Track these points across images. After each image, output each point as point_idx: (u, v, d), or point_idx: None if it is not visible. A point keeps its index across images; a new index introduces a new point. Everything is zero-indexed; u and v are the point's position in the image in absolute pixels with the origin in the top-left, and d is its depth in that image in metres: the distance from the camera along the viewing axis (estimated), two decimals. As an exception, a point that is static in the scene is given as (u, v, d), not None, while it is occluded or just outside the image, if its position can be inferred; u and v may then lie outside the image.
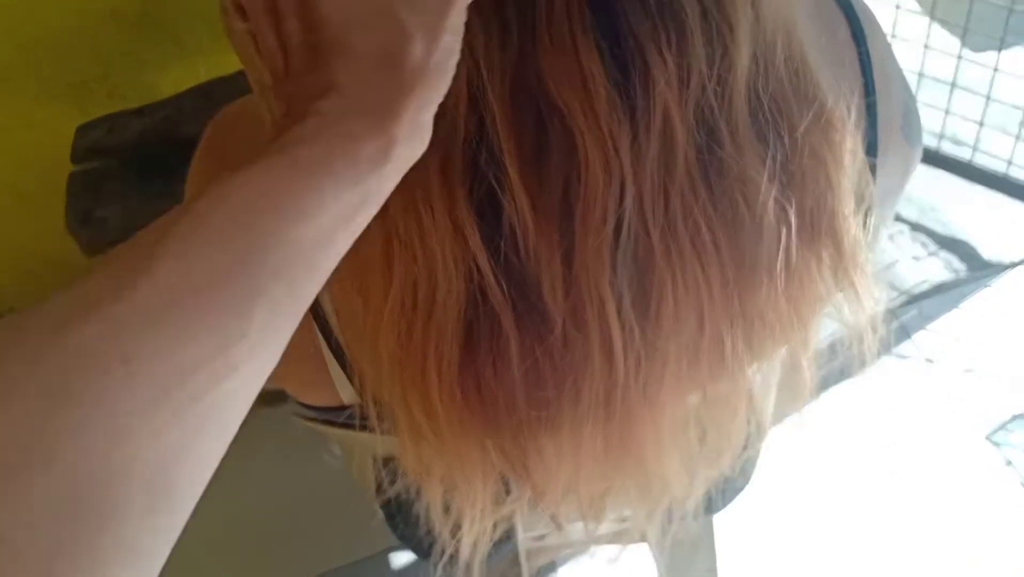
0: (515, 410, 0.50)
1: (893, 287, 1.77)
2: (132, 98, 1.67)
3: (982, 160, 1.83)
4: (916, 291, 1.76)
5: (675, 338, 0.49)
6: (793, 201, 0.49)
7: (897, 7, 1.71)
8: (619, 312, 0.47)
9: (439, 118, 0.40)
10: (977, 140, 1.79)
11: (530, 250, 0.46)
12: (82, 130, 1.59)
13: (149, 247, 0.32)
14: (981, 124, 1.75)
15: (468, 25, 0.40)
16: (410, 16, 0.37)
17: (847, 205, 0.51)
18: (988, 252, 1.82)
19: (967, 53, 1.70)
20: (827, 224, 0.51)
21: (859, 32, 0.56)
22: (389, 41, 0.37)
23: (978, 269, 1.79)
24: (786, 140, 0.48)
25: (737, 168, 0.47)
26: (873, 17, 0.58)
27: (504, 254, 0.46)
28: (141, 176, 1.49)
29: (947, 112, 1.79)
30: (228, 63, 1.70)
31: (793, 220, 0.49)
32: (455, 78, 0.40)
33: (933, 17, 1.69)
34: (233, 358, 0.32)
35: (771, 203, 0.48)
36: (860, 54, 0.56)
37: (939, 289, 1.76)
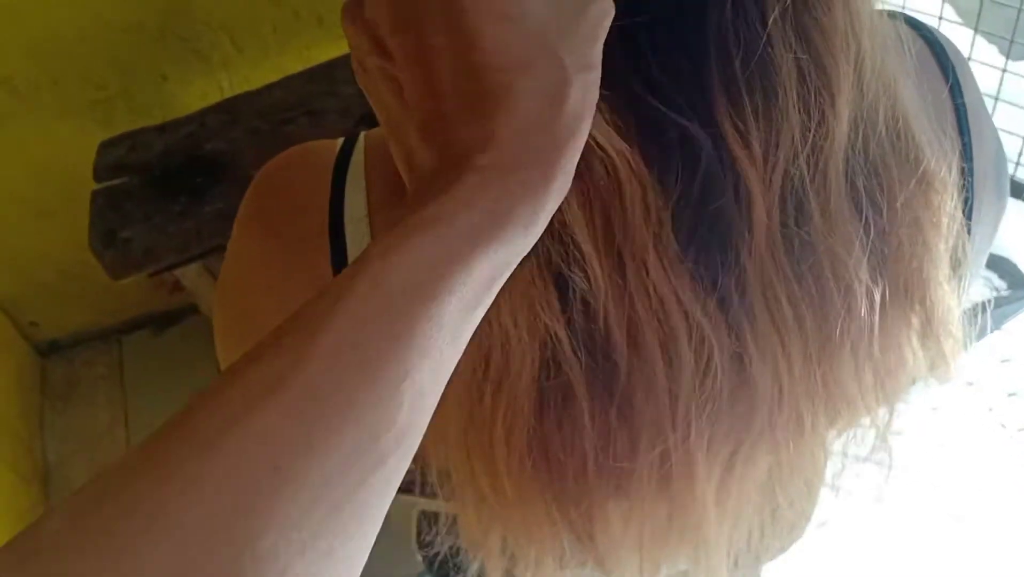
0: (584, 478, 0.48)
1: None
2: (155, 114, 1.65)
3: (1021, 174, 1.78)
4: (956, 311, 1.71)
5: (749, 413, 0.47)
6: (887, 272, 0.46)
7: (940, 18, 1.67)
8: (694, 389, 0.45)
9: None
10: (1020, 155, 1.74)
11: (603, 320, 0.43)
12: (104, 147, 1.56)
13: (297, 345, 0.29)
14: None
15: None
16: (568, 55, 0.33)
17: (942, 271, 0.48)
18: (1030, 270, 1.77)
19: (1011, 65, 1.65)
20: (920, 292, 0.48)
21: (955, 85, 0.52)
22: (551, 85, 0.33)
23: (1020, 288, 1.74)
24: (884, 211, 0.44)
25: (826, 244, 0.43)
26: (967, 66, 0.55)
27: (577, 323, 0.43)
28: (165, 194, 1.47)
29: (988, 125, 1.74)
30: (252, 77, 1.68)
31: (886, 293, 0.46)
32: None
33: (976, 29, 1.64)
34: (382, 449, 0.30)
35: (863, 277, 0.44)
36: (956, 108, 0.52)
37: (980, 309, 1.71)
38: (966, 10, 1.72)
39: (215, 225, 1.41)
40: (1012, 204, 1.78)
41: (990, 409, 1.53)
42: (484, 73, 0.33)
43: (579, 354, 0.44)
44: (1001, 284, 1.75)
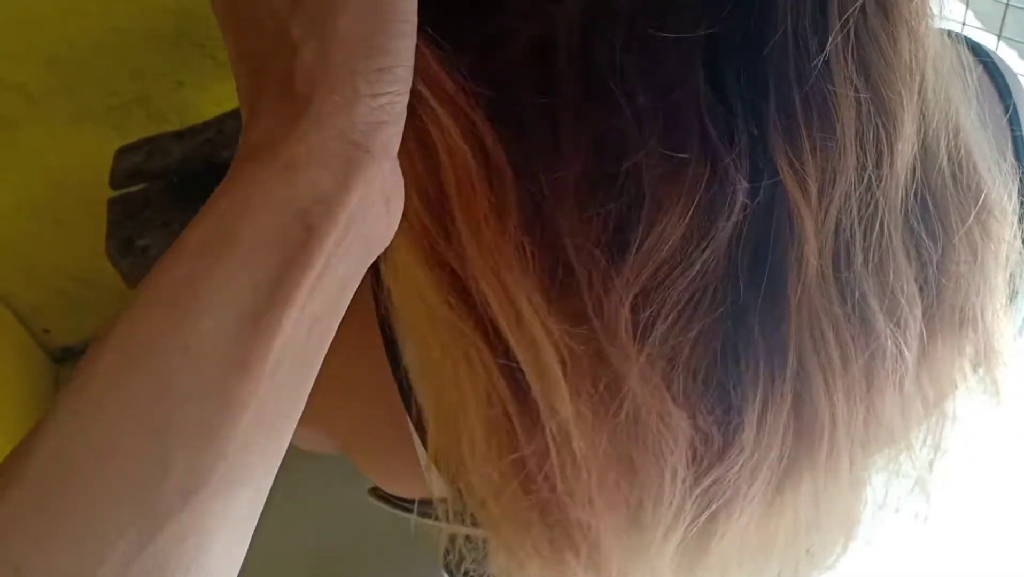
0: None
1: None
2: (172, 120, 1.64)
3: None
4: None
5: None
6: (943, 306, 0.45)
7: (963, 24, 1.66)
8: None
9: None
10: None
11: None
12: (121, 153, 1.55)
13: (27, 439, 0.29)
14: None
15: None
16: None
17: (999, 299, 0.47)
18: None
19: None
20: (975, 323, 0.47)
21: (1014, 114, 0.51)
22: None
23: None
24: (942, 246, 0.43)
25: (877, 283, 0.42)
26: (1019, 86, 0.54)
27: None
28: (183, 201, 1.46)
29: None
30: (268, 83, 1.67)
31: (939, 327, 0.45)
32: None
33: (1000, 36, 1.63)
34: (194, 507, 0.28)
35: (916, 315, 0.43)
36: (1015, 137, 0.51)
37: None
38: (984, 13, 1.71)
39: (234, 233, 1.40)
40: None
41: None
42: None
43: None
44: None
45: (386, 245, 0.36)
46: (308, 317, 0.32)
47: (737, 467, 0.45)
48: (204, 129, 1.57)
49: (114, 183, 1.51)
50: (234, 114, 1.57)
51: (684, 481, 0.45)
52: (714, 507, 0.46)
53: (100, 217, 1.46)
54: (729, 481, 0.45)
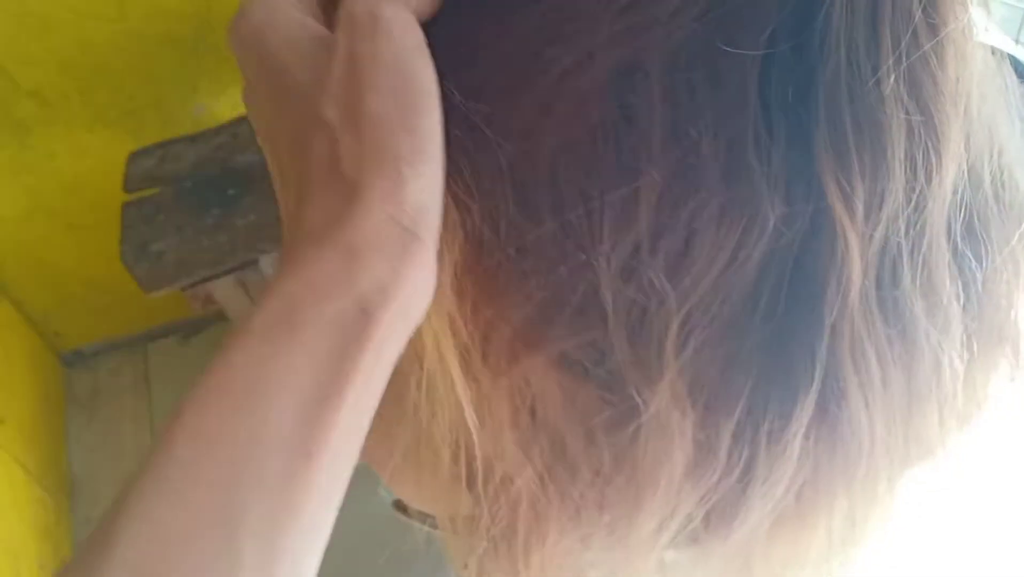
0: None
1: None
2: (186, 124, 1.63)
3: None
4: None
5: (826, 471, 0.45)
6: (982, 324, 0.44)
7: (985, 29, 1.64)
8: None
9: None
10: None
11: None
12: (134, 158, 1.55)
13: (107, 525, 0.28)
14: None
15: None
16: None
17: None
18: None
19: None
20: (1014, 338, 0.46)
21: None
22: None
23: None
24: (985, 266, 0.42)
25: (921, 304, 0.41)
26: None
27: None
28: (197, 207, 1.45)
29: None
30: (283, 88, 1.66)
31: (978, 344, 0.44)
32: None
33: (1018, 41, 1.62)
34: None
35: (956, 335, 0.42)
36: None
37: None
38: (1001, 19, 1.70)
39: (248, 238, 1.39)
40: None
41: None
42: None
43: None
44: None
45: (422, 319, 0.36)
46: (363, 402, 0.33)
47: (757, 492, 0.44)
48: (219, 133, 1.56)
49: (128, 187, 1.51)
50: (248, 119, 1.56)
51: (688, 497, 0.44)
52: (731, 526, 0.46)
53: (113, 222, 1.46)
54: (745, 503, 0.45)
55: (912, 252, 0.40)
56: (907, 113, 0.37)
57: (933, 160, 0.38)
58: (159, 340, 2.01)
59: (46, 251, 1.77)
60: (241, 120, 1.57)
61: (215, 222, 1.42)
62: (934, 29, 0.37)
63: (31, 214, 1.69)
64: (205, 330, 2.00)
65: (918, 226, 0.39)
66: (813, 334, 0.40)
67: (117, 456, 1.82)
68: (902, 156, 0.37)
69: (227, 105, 1.66)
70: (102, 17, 1.46)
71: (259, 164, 1.50)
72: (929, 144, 0.38)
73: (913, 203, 0.38)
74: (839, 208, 0.37)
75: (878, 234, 0.38)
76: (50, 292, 1.85)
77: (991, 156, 0.41)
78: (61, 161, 1.63)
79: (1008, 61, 0.49)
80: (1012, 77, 0.45)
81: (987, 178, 0.42)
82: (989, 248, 0.42)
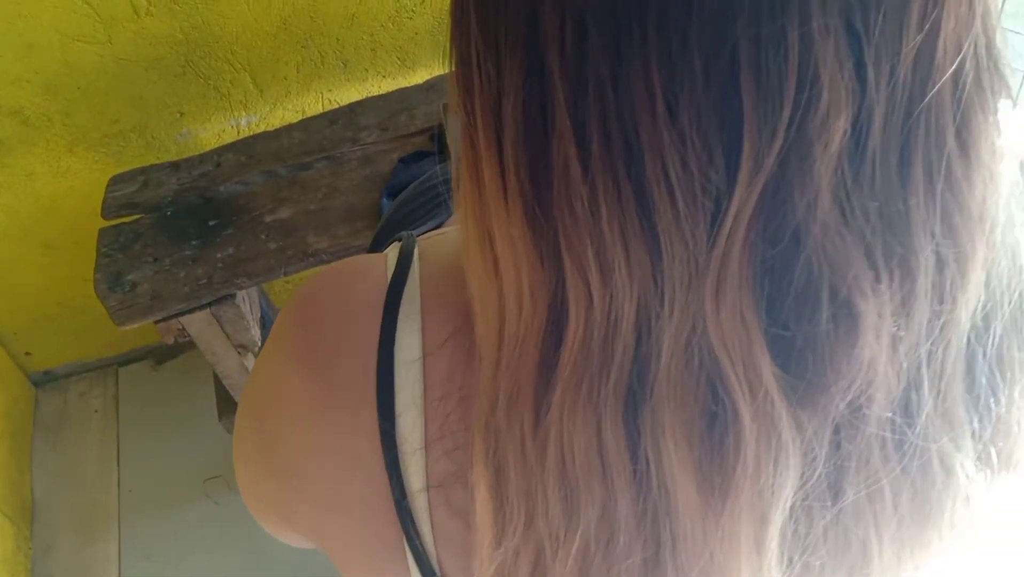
0: None
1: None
2: (171, 150, 1.62)
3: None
4: None
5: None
6: (988, 449, 0.43)
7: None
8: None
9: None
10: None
11: (683, 514, 0.41)
12: (115, 181, 1.52)
13: None
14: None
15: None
16: None
17: None
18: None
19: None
20: (1018, 466, 0.45)
21: None
22: None
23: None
24: (1003, 400, 0.41)
25: (936, 436, 0.40)
26: None
27: (652, 511, 0.41)
28: (176, 236, 1.43)
29: None
30: (271, 117, 1.65)
31: (988, 475, 0.44)
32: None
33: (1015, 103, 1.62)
34: None
35: (968, 467, 0.42)
36: None
37: None
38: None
39: (226, 272, 1.37)
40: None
41: None
42: None
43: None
44: None
45: None
46: None
47: None
48: (202, 161, 1.54)
49: (106, 212, 1.48)
50: (232, 147, 1.54)
51: None
52: None
53: (90, 243, 1.44)
54: None
55: (931, 382, 0.39)
56: (936, 240, 0.36)
57: (959, 288, 0.37)
58: (131, 364, 1.99)
59: (20, 270, 1.75)
60: (225, 149, 1.54)
61: (193, 253, 1.40)
62: (967, 154, 0.36)
63: (6, 233, 1.67)
64: (179, 356, 1.98)
65: (939, 355, 0.39)
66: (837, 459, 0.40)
67: (80, 484, 1.78)
68: (929, 286, 0.37)
69: (212, 133, 1.64)
70: (88, 40, 1.45)
71: (242, 194, 1.48)
72: (957, 273, 0.37)
73: (937, 331, 0.38)
74: (870, 334, 0.36)
75: (904, 361, 0.37)
76: (22, 311, 1.83)
77: (1013, 281, 0.41)
78: (40, 182, 1.61)
79: None
80: None
81: (1008, 306, 0.41)
82: (1009, 383, 0.42)
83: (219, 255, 1.39)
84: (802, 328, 0.36)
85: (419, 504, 0.47)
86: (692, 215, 0.34)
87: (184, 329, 1.41)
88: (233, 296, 1.38)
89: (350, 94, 1.66)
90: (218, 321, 1.40)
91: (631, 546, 0.42)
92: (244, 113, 1.64)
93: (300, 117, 1.63)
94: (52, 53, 1.44)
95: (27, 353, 1.90)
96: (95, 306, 1.76)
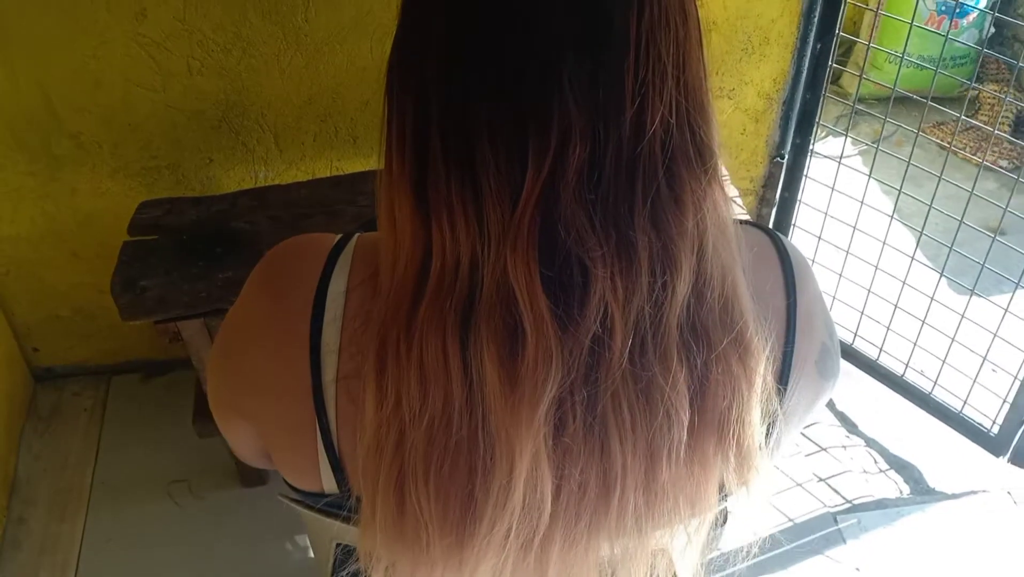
0: (437, 530, 0.63)
1: (839, 493, 1.89)
2: (196, 187, 1.87)
3: (941, 395, 1.98)
4: (859, 502, 1.88)
5: (579, 496, 0.62)
6: (705, 405, 0.63)
7: (884, 244, 1.90)
8: (548, 465, 0.60)
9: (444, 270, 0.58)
10: (938, 376, 1.94)
11: (493, 402, 0.59)
12: (144, 206, 1.78)
13: None
14: (943, 361, 1.91)
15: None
16: None
17: (753, 415, 0.64)
18: (933, 480, 1.95)
19: (943, 296, 1.88)
20: (731, 427, 0.64)
21: (791, 283, 0.71)
22: None
23: (921, 494, 1.91)
24: (704, 355, 0.61)
25: (660, 373, 0.60)
26: (807, 270, 0.73)
27: (474, 397, 0.60)
28: (187, 257, 1.67)
29: (915, 344, 1.95)
30: (285, 174, 1.92)
31: (697, 420, 0.63)
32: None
33: (915, 259, 1.87)
34: None
35: (683, 403, 0.61)
36: (788, 302, 0.70)
37: (880, 504, 1.88)
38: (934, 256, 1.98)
39: (223, 291, 1.60)
40: (927, 419, 1.96)
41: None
42: None
43: (469, 425, 0.60)
44: (906, 488, 1.92)
45: None
46: None
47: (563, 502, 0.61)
48: (220, 200, 1.80)
49: (131, 230, 1.73)
50: (248, 193, 1.81)
51: (511, 513, 0.61)
52: (535, 537, 0.62)
53: (111, 257, 1.67)
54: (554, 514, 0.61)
55: (654, 334, 0.59)
56: (651, 241, 0.58)
57: (670, 276, 0.58)
58: (123, 374, 2.19)
59: (47, 272, 1.97)
60: (242, 193, 1.81)
61: (198, 272, 1.64)
62: (675, 192, 0.59)
63: (43, 237, 1.90)
64: (168, 373, 2.18)
65: (659, 317, 0.59)
66: (593, 382, 0.60)
67: (60, 468, 1.97)
68: (647, 269, 0.58)
69: (233, 179, 1.90)
70: (147, 87, 1.73)
71: (249, 232, 1.73)
72: (668, 265, 0.58)
73: (654, 302, 0.59)
74: (610, 297, 0.57)
75: (631, 319, 0.58)
76: (40, 310, 2.05)
77: (718, 286, 0.61)
78: (81, 197, 1.86)
79: (756, 227, 0.72)
80: (759, 236, 0.69)
81: (713, 300, 0.61)
82: (711, 346, 0.62)
83: (220, 276, 1.63)
84: (563, 273, 0.57)
85: (329, 393, 0.66)
86: (502, 199, 0.56)
87: (179, 333, 1.64)
88: (224, 310, 1.61)
89: (355, 165, 1.93)
90: (208, 330, 1.64)
91: (461, 421, 0.60)
92: (264, 168, 1.91)
93: (310, 177, 1.90)
94: (115, 92, 1.72)
95: (35, 349, 2.12)
96: (104, 314, 2.00)
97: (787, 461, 1.95)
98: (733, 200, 0.62)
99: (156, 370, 2.19)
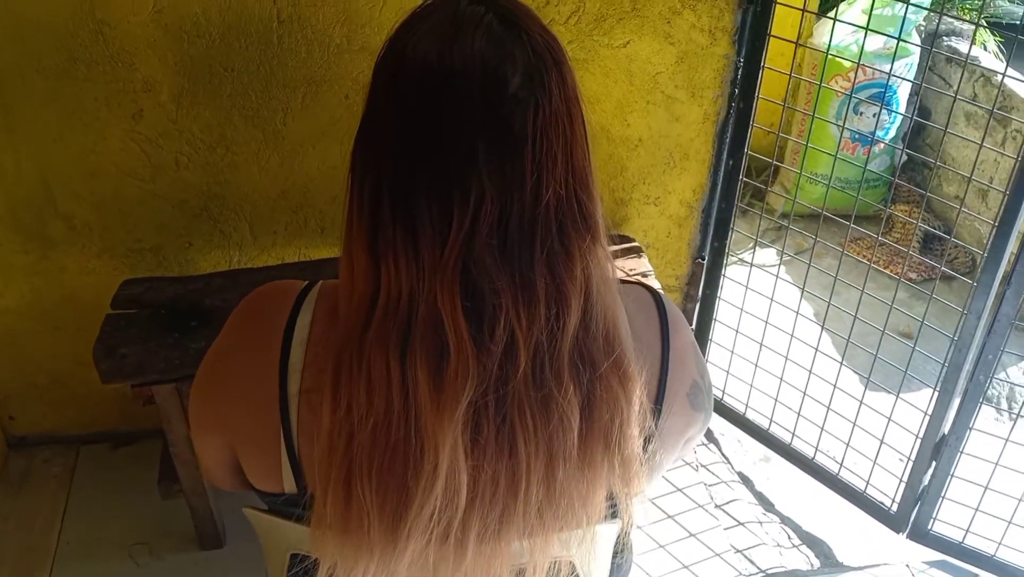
0: (377, 525, 0.73)
1: (754, 564, 2.05)
2: (175, 268, 2.05)
3: (847, 476, 2.17)
4: (772, 572, 2.04)
5: (492, 488, 0.74)
6: (592, 416, 0.76)
7: (816, 350, 2.12)
8: (466, 458, 0.71)
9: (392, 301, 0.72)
10: (843, 458, 2.14)
11: (424, 405, 0.70)
12: (126, 284, 1.96)
13: None
14: (847, 445, 2.11)
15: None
16: None
17: (633, 429, 0.77)
18: (841, 554, 2.12)
19: (847, 385, 2.09)
20: (613, 437, 0.76)
21: (666, 328, 0.86)
22: None
23: (829, 567, 2.08)
24: (589, 375, 0.75)
25: (555, 387, 0.74)
26: (680, 321, 0.88)
27: (409, 402, 0.71)
28: (163, 329, 1.84)
29: (822, 429, 2.15)
30: (257, 259, 2.11)
31: (586, 430, 0.76)
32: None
33: (842, 362, 2.09)
34: None
35: (575, 412, 0.75)
36: (663, 344, 0.85)
37: (793, 575, 2.04)
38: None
39: (195, 359, 1.77)
40: (834, 497, 2.14)
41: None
42: None
43: (404, 428, 0.72)
44: (816, 562, 2.09)
45: None
46: None
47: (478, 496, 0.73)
48: (196, 280, 1.99)
49: (114, 305, 1.91)
50: (222, 274, 2.00)
51: (437, 507, 0.72)
52: (454, 521, 0.72)
53: (92, 330, 1.83)
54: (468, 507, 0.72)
55: (551, 356, 0.73)
56: (547, 283, 0.72)
57: (563, 311, 0.73)
58: (93, 444, 2.31)
59: (28, 343, 2.11)
60: (216, 275, 2.00)
61: (173, 342, 1.81)
62: (567, 249, 0.73)
63: (29, 310, 2.06)
64: (134, 443, 2.31)
65: (554, 343, 0.73)
66: (501, 392, 0.73)
67: (27, 530, 2.08)
68: (544, 304, 0.72)
69: (209, 261, 2.08)
70: (138, 177, 1.92)
71: (221, 308, 1.91)
72: (560, 302, 0.73)
73: (549, 330, 0.73)
74: (515, 324, 0.72)
75: (531, 341, 0.72)
76: (18, 379, 2.18)
77: (601, 325, 0.76)
78: (68, 275, 2.03)
79: (639, 285, 0.91)
80: (640, 293, 0.85)
81: (598, 334, 0.76)
82: (595, 368, 0.75)
83: (193, 346, 1.81)
84: (479, 304, 0.69)
85: (293, 404, 0.77)
86: (434, 246, 0.71)
87: (152, 397, 1.80)
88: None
89: (322, 252, 2.11)
90: (179, 394, 1.80)
91: (399, 423, 0.70)
92: (238, 252, 2.09)
93: (279, 262, 2.08)
94: (109, 181, 1.91)
95: (11, 417, 2.24)
96: (81, 386, 2.14)
97: (707, 533, 2.12)
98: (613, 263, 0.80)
99: (124, 440, 2.32)
